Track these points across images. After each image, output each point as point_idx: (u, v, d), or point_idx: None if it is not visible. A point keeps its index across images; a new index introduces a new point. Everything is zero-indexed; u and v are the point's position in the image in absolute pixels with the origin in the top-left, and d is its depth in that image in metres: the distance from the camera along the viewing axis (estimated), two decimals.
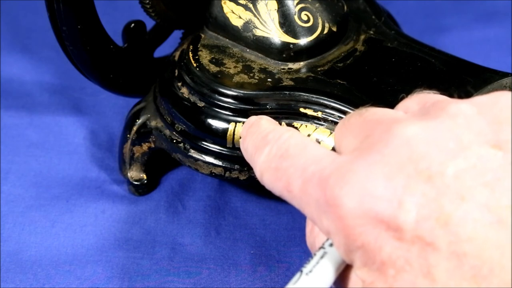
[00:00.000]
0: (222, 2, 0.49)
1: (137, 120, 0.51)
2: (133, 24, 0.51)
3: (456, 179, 0.29)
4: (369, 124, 0.33)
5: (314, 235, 0.35)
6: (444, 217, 0.29)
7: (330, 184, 0.31)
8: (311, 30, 0.48)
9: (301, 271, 0.32)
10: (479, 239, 0.28)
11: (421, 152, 0.30)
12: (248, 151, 0.39)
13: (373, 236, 0.30)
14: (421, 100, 0.35)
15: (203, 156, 0.48)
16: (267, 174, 0.35)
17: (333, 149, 0.36)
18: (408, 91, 0.45)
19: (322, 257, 0.32)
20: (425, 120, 0.31)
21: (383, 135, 0.31)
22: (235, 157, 0.47)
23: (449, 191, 0.29)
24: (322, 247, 0.33)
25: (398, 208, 0.29)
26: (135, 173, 0.53)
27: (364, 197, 0.30)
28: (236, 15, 0.49)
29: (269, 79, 0.47)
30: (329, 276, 0.32)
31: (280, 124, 0.46)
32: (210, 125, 0.47)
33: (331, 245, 0.32)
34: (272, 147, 0.36)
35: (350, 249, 0.30)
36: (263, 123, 0.39)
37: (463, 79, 0.46)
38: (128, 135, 0.52)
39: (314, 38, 0.48)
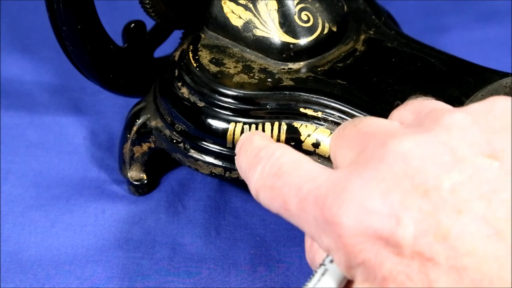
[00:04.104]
0: (222, 2, 0.49)
1: (137, 120, 0.51)
2: (133, 24, 0.51)
3: (452, 193, 0.29)
4: (364, 137, 0.33)
5: (313, 251, 0.35)
6: (442, 232, 0.29)
7: (328, 203, 0.31)
8: (311, 30, 0.48)
9: None
10: (477, 253, 0.28)
11: (416, 167, 0.30)
12: (242, 168, 0.38)
13: (373, 252, 0.30)
14: (415, 109, 0.35)
15: (203, 156, 0.48)
16: (262, 192, 0.35)
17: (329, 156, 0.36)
18: (408, 91, 0.45)
19: (323, 274, 0.32)
20: (419, 134, 0.31)
21: (378, 150, 0.31)
22: (235, 157, 0.47)
23: (446, 205, 0.29)
24: (322, 264, 0.33)
25: (396, 224, 0.29)
26: (135, 173, 0.53)
27: (362, 214, 0.30)
28: (236, 15, 0.49)
29: (269, 79, 0.47)
30: None
31: (280, 124, 0.46)
32: (210, 125, 0.47)
33: (331, 261, 0.32)
34: (265, 165, 0.36)
35: (351, 265, 0.30)
36: (255, 139, 0.39)
37: (463, 79, 0.46)
38: (128, 135, 0.52)
39: (314, 38, 0.48)
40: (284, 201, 0.34)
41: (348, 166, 0.32)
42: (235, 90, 0.47)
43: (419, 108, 0.35)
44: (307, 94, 0.46)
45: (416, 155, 0.30)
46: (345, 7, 0.51)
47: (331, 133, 0.46)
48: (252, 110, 0.46)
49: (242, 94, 0.47)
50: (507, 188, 0.29)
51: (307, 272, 0.47)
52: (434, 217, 0.29)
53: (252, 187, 0.36)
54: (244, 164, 0.38)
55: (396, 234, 0.29)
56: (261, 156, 0.36)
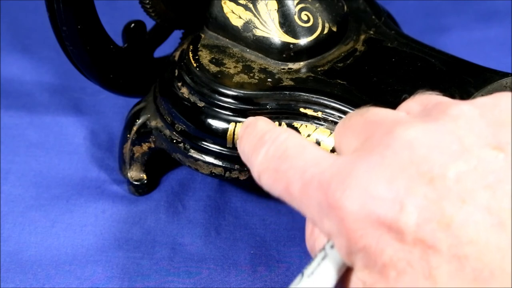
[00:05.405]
0: (222, 2, 0.49)
1: (137, 120, 0.51)
2: (133, 24, 0.51)
3: (457, 182, 0.29)
4: (370, 125, 0.33)
5: (314, 238, 0.35)
6: (446, 220, 0.29)
7: (332, 187, 0.31)
8: (311, 30, 0.48)
9: (303, 273, 0.32)
10: (480, 242, 0.28)
11: (422, 155, 0.30)
12: (245, 152, 0.38)
13: (374, 238, 0.30)
14: (423, 101, 0.35)
15: (203, 156, 0.48)
16: (265, 175, 0.35)
17: (333, 149, 0.36)
18: (408, 91, 0.45)
19: (323, 259, 0.32)
20: (426, 122, 0.31)
21: (385, 137, 0.31)
22: (235, 157, 0.47)
23: (451, 193, 0.29)
24: (323, 249, 0.33)
25: (400, 210, 0.29)
26: (135, 173, 0.53)
27: (366, 199, 0.30)
28: (236, 15, 0.49)
29: (269, 79, 0.47)
30: (331, 278, 0.32)
31: (280, 124, 0.46)
32: (210, 125, 0.47)
33: (332, 247, 0.32)
34: (269, 147, 0.36)
35: (352, 251, 0.30)
36: (259, 123, 0.39)
37: (463, 79, 0.46)
38: (128, 135, 0.52)
39: (314, 38, 0.48)
40: (288, 184, 0.33)
41: (354, 153, 0.32)
42: (235, 90, 0.47)
43: (427, 100, 0.35)
44: (307, 94, 0.46)
45: (423, 143, 0.30)
46: (345, 7, 0.51)
47: (331, 133, 0.46)
48: (252, 110, 0.46)
49: (242, 94, 0.47)
50: (511, 179, 0.29)
51: None
52: (438, 205, 0.29)
53: (255, 170, 0.36)
54: (247, 147, 0.38)
55: (399, 220, 0.29)
56: (266, 139, 0.36)
